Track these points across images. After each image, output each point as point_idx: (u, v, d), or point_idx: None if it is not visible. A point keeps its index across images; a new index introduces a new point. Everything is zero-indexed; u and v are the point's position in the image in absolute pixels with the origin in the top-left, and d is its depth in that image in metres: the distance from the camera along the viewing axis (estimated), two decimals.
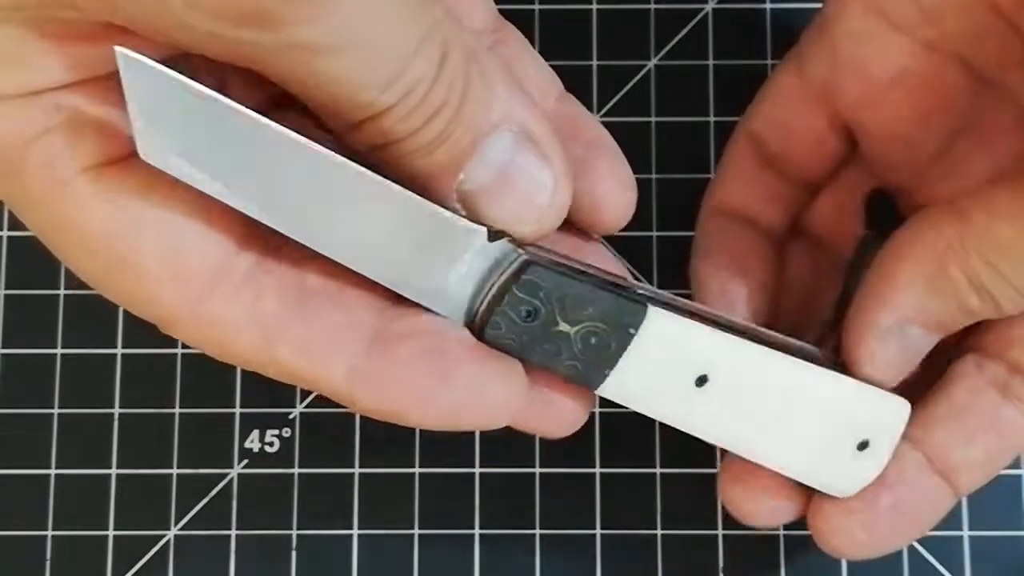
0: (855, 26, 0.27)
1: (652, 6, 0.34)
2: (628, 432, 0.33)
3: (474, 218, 0.23)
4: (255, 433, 0.33)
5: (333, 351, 0.23)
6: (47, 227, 0.23)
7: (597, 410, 0.33)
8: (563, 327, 0.23)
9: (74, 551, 0.32)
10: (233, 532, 0.32)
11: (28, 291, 0.34)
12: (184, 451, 0.33)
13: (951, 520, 0.32)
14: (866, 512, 0.26)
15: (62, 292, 0.33)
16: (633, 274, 0.33)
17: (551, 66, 0.27)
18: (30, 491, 0.33)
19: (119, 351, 0.33)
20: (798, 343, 0.26)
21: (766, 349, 0.25)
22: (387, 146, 0.22)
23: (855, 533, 0.26)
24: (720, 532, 0.32)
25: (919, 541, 0.32)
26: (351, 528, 0.32)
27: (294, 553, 0.32)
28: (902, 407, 0.26)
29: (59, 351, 0.33)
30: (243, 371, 0.33)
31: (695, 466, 0.32)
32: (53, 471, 0.33)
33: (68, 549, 0.32)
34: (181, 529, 0.32)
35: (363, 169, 0.22)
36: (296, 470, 0.33)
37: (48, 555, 0.32)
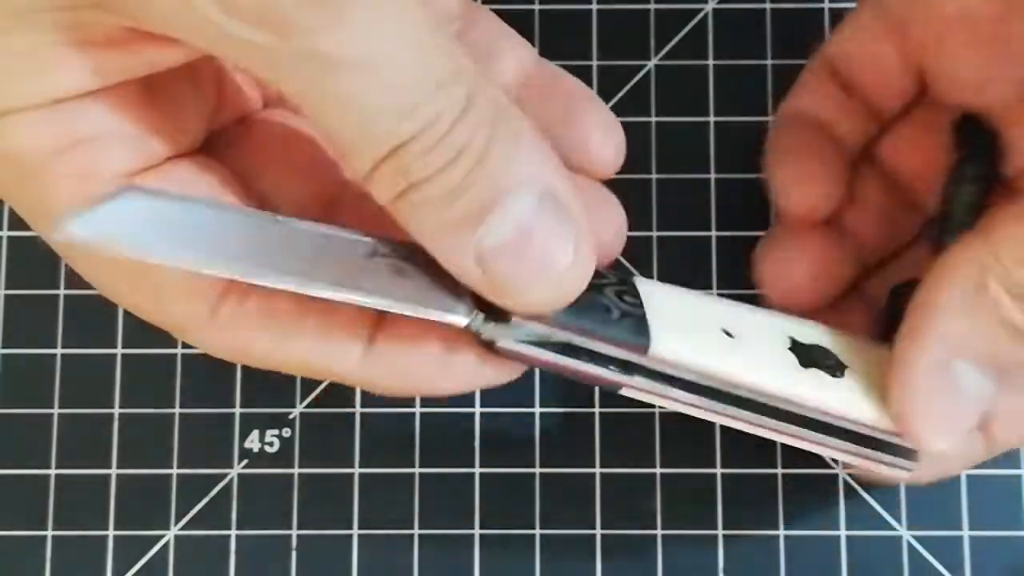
0: None
1: (652, 6, 0.34)
2: (628, 432, 0.33)
3: (488, 281, 0.22)
4: (255, 433, 0.33)
5: (347, 340, 0.23)
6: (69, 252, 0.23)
7: (597, 410, 0.33)
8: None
9: (74, 551, 0.32)
10: (233, 532, 0.32)
11: (28, 291, 0.34)
12: (184, 451, 0.33)
13: (951, 520, 0.32)
14: None
15: (62, 292, 0.33)
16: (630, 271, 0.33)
17: None
18: (30, 491, 0.33)
19: (119, 351, 0.33)
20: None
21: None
22: (406, 194, 0.21)
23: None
24: (720, 532, 0.32)
25: (919, 541, 0.32)
26: (351, 528, 0.32)
27: (294, 553, 0.32)
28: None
29: (59, 351, 0.33)
30: (243, 371, 0.33)
31: (695, 466, 0.32)
32: (53, 471, 0.33)
33: (68, 549, 0.32)
34: (181, 529, 0.32)
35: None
36: (296, 470, 0.33)
37: (48, 555, 0.32)
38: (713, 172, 0.33)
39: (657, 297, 0.24)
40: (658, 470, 0.32)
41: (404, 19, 0.20)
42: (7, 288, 0.34)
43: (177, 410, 0.33)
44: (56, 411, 0.33)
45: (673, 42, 0.34)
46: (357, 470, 0.33)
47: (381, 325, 0.24)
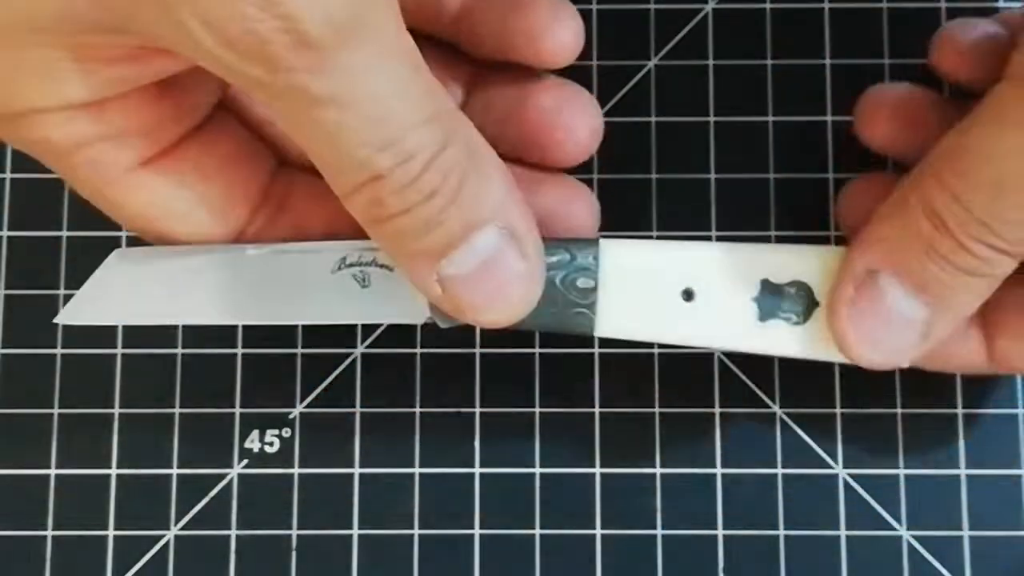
0: None
1: (652, 6, 0.34)
2: (628, 432, 0.33)
3: (448, 300, 0.25)
4: (255, 433, 0.33)
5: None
6: (93, 199, 0.27)
7: (597, 410, 0.33)
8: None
9: (74, 551, 0.32)
10: (233, 532, 0.32)
11: (28, 291, 0.34)
12: (184, 451, 0.33)
13: (951, 520, 0.32)
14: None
15: (62, 292, 0.33)
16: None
17: None
18: (30, 491, 0.33)
19: (119, 351, 0.33)
20: None
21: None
22: (380, 221, 0.23)
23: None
24: (720, 532, 0.32)
25: (919, 541, 0.32)
26: (351, 528, 0.32)
27: (294, 553, 0.32)
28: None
29: (59, 351, 0.33)
30: (243, 371, 0.33)
31: (695, 466, 0.32)
32: (53, 471, 0.33)
33: (68, 549, 0.32)
34: (181, 529, 0.32)
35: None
36: (296, 470, 0.33)
37: (48, 555, 0.32)
38: (713, 172, 0.33)
39: (618, 266, 0.26)
40: (658, 470, 0.32)
41: (388, 61, 0.22)
42: (7, 288, 0.34)
43: (177, 410, 0.33)
44: (56, 411, 0.33)
45: (673, 42, 0.34)
46: (357, 470, 0.33)
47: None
